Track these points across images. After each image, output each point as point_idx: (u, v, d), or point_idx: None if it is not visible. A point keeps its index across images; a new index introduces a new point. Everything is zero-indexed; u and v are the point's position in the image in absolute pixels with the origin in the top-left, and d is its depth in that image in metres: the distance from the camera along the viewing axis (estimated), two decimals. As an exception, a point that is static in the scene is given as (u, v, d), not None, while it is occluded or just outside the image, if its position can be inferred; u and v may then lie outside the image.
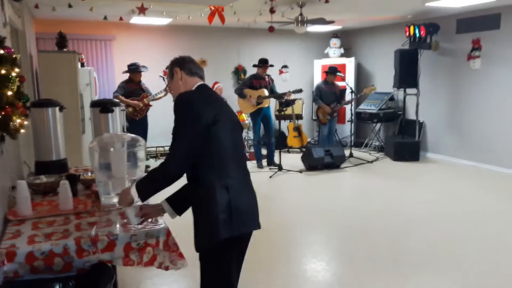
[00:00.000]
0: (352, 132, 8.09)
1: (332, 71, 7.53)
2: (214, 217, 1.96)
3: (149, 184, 2.06)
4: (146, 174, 2.13)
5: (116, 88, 6.73)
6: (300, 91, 6.99)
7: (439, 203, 5.20)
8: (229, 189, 2.00)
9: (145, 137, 6.53)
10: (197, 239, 2.05)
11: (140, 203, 2.11)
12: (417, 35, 7.28)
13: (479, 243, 3.98)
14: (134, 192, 2.05)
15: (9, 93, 2.27)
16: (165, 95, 6.78)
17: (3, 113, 2.24)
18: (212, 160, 2.00)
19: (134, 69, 6.62)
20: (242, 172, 2.15)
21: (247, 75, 8.35)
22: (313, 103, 7.89)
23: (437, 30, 7.38)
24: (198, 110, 1.99)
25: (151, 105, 6.85)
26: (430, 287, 3.21)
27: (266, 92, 7.02)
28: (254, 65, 7.18)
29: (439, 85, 7.71)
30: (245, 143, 8.11)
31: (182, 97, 2.07)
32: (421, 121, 7.94)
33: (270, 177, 6.54)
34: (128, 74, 6.73)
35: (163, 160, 2.04)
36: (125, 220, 2.24)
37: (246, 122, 7.86)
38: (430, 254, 3.73)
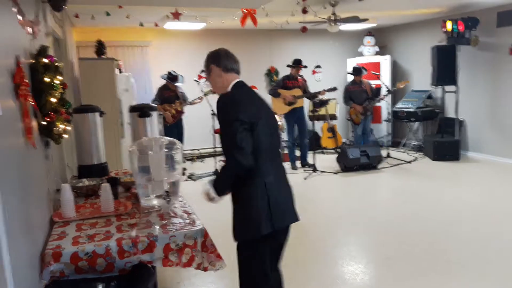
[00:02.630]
0: (389, 131, 7.91)
1: (355, 72, 7.40)
2: (255, 213, 2.08)
3: (222, 181, 2.16)
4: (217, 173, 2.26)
5: (154, 96, 6.92)
6: (334, 89, 6.90)
7: (481, 204, 5.00)
8: (267, 186, 2.10)
9: (180, 140, 6.65)
10: (237, 231, 2.17)
11: (218, 198, 2.19)
12: (455, 30, 7.04)
13: (527, 245, 3.80)
14: (211, 190, 2.14)
15: (53, 100, 2.37)
16: (201, 101, 6.89)
17: (47, 119, 2.33)
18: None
19: (172, 79, 6.79)
20: (278, 169, 2.25)
21: (279, 76, 8.35)
22: (345, 105, 7.77)
23: (476, 24, 7.11)
24: (240, 109, 2.08)
25: (184, 112, 6.98)
26: (474, 291, 3.09)
27: (300, 92, 6.99)
28: (288, 65, 7.16)
29: (480, 81, 7.42)
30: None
31: (223, 99, 2.16)
32: (461, 119, 7.67)
33: (305, 178, 6.50)
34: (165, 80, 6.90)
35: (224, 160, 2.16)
36: (164, 222, 2.29)
37: (280, 123, 7.85)
38: (472, 257, 3.60)
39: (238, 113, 2.05)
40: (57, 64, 2.61)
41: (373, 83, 8.05)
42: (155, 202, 2.43)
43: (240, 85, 2.25)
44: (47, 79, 2.33)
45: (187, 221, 2.32)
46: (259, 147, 2.09)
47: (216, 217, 3.96)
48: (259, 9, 5.70)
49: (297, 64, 6.99)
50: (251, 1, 4.20)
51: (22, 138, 1.91)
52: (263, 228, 2.07)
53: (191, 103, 6.91)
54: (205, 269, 2.20)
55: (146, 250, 2.09)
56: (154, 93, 7.21)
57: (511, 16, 6.73)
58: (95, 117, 3.32)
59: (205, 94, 6.70)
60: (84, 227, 2.27)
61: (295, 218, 2.26)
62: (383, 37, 9.38)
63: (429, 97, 8.21)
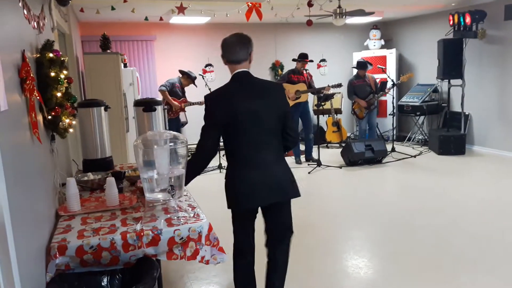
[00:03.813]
0: (394, 125, 7.88)
1: (360, 66, 7.36)
2: (228, 193, 2.43)
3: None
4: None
5: (165, 82, 6.93)
6: (339, 85, 6.88)
7: (488, 198, 4.98)
8: (239, 172, 2.39)
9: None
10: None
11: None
12: (462, 23, 6.98)
13: (532, 240, 3.79)
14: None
15: (58, 94, 2.38)
16: (201, 105, 7.00)
17: (53, 113, 2.35)
18: (229, 148, 2.42)
19: (192, 78, 6.95)
20: (263, 157, 2.40)
21: (284, 70, 8.32)
22: (349, 99, 7.74)
23: (484, 17, 7.03)
24: (212, 111, 2.37)
25: (185, 111, 7.17)
26: (476, 286, 3.09)
27: (305, 87, 6.97)
28: (294, 59, 7.13)
29: (486, 75, 7.36)
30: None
31: (205, 97, 2.43)
32: (466, 113, 7.62)
33: (309, 172, 6.50)
34: (180, 74, 7.02)
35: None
36: (169, 215, 2.30)
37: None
38: (477, 251, 3.59)
39: (207, 114, 2.36)
40: (63, 58, 2.62)
41: (379, 77, 8.01)
42: (160, 196, 2.44)
43: (235, 77, 2.40)
44: (52, 74, 2.34)
45: (192, 214, 2.34)
46: (237, 140, 2.36)
47: (220, 211, 3.97)
48: (264, 3, 5.68)
49: (303, 58, 6.96)
50: (256, -6, 4.20)
51: (28, 133, 1.92)
52: (232, 206, 2.42)
53: (192, 104, 7.05)
54: (207, 262, 2.21)
55: (150, 244, 2.10)
56: (159, 86, 7.21)
57: (519, 9, 6.66)
58: (100, 111, 3.33)
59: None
60: (89, 221, 2.30)
61: (267, 200, 2.41)
62: (389, 31, 9.32)
63: (435, 90, 8.16)
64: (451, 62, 7.24)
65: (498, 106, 7.22)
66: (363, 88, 7.38)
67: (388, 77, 7.54)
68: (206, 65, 8.35)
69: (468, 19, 6.92)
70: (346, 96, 8.95)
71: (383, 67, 7.72)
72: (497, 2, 6.89)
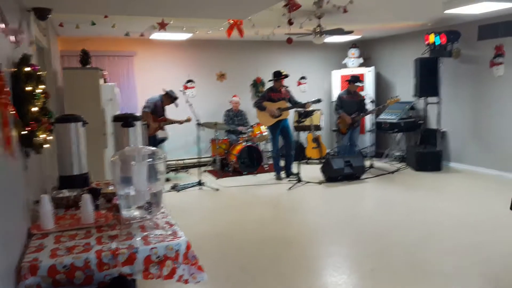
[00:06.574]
0: (372, 142, 7.99)
1: (354, 80, 7.47)
2: None
3: None
4: None
5: (148, 103, 7.05)
6: (319, 101, 6.96)
7: (463, 214, 5.07)
8: None
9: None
10: None
11: None
12: (438, 43, 7.19)
13: (504, 254, 3.85)
14: None
15: (35, 109, 2.34)
16: (181, 123, 7.23)
17: (28, 128, 2.30)
18: None
19: (173, 99, 7.10)
20: None
21: (266, 87, 8.39)
22: (335, 113, 7.83)
23: (458, 37, 7.27)
24: None
25: (163, 129, 7.28)
26: (456, 301, 3.11)
27: (285, 104, 7.03)
28: (270, 80, 7.22)
29: (461, 93, 7.57)
30: (264, 155, 8.10)
31: None
32: (443, 130, 7.80)
33: (289, 188, 6.51)
34: (163, 92, 7.14)
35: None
36: (146, 233, 2.26)
37: (265, 133, 7.87)
38: (452, 267, 3.63)
39: None
40: (40, 73, 2.59)
41: (362, 94, 8.15)
42: (137, 213, 2.40)
43: None
44: (29, 88, 2.30)
45: (169, 232, 2.30)
46: None
47: (199, 228, 3.96)
48: (246, 20, 5.74)
49: (277, 76, 7.04)
50: (238, 12, 4.23)
51: (1, 148, 1.87)
52: None
53: (172, 123, 7.20)
54: (185, 282, 2.18)
55: (126, 262, 2.06)
56: (140, 103, 7.26)
57: (492, 30, 6.91)
58: (78, 127, 3.28)
59: (186, 121, 7.20)
60: (63, 239, 2.24)
61: None
62: (367, 49, 9.52)
63: (412, 108, 8.34)
64: (428, 80, 7.43)
65: (472, 123, 7.42)
66: (351, 104, 7.46)
67: (366, 94, 7.67)
68: (187, 81, 8.35)
69: (443, 39, 7.13)
70: (325, 113, 9.06)
71: (361, 85, 7.86)
72: (471, 22, 7.14)
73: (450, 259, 3.80)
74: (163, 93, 7.13)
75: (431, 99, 7.65)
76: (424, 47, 7.45)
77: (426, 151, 7.52)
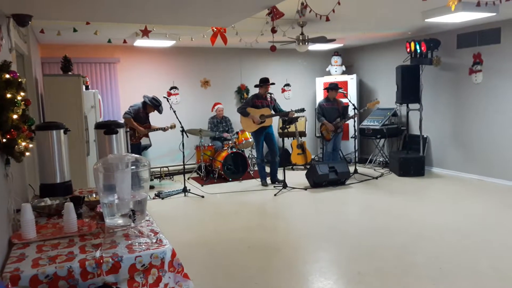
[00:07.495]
0: (356, 148, 8.08)
1: (332, 87, 7.58)
2: None
3: None
4: None
5: (129, 109, 6.98)
6: (302, 110, 7.01)
7: (446, 218, 5.14)
8: None
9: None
10: None
11: None
12: (418, 51, 7.33)
13: (488, 257, 3.92)
14: None
15: (15, 116, 2.29)
16: (165, 130, 7.17)
17: (8, 136, 2.26)
18: None
19: (156, 106, 7.04)
20: None
21: (250, 94, 8.42)
22: (318, 121, 7.92)
23: (438, 45, 7.43)
24: None
25: (148, 137, 7.22)
26: (440, 305, 3.14)
27: (269, 111, 7.06)
28: (256, 85, 7.25)
29: (442, 100, 7.72)
30: (249, 161, 8.10)
31: None
32: (425, 136, 7.93)
33: (275, 195, 6.52)
34: (143, 99, 7.08)
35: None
36: (130, 241, 2.23)
37: (250, 140, 7.88)
38: (437, 271, 3.68)
39: None
40: (20, 80, 2.54)
41: (342, 100, 8.24)
42: (121, 221, 2.37)
43: None
44: (8, 95, 2.26)
45: (154, 240, 2.28)
46: None
47: (184, 236, 3.91)
48: (229, 28, 5.76)
49: (264, 82, 7.08)
50: (221, 19, 4.24)
51: (-20, 156, 1.83)
52: None
53: (156, 130, 7.15)
54: (171, 290, 2.15)
55: (110, 271, 2.02)
56: (123, 110, 7.19)
57: (470, 38, 7.09)
58: (60, 134, 3.23)
59: (171, 127, 7.12)
60: (45, 248, 2.19)
61: None
62: (350, 57, 9.65)
63: (394, 114, 8.46)
64: (409, 87, 7.55)
65: (453, 129, 7.56)
66: (331, 111, 7.56)
67: (349, 101, 7.78)
68: (171, 88, 8.32)
69: (423, 47, 7.28)
70: (310, 119, 9.14)
71: (345, 92, 7.96)
72: (450, 31, 7.30)
73: (435, 263, 3.85)
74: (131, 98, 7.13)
75: (413, 106, 7.78)
76: (405, 55, 7.59)
77: (409, 156, 7.63)
